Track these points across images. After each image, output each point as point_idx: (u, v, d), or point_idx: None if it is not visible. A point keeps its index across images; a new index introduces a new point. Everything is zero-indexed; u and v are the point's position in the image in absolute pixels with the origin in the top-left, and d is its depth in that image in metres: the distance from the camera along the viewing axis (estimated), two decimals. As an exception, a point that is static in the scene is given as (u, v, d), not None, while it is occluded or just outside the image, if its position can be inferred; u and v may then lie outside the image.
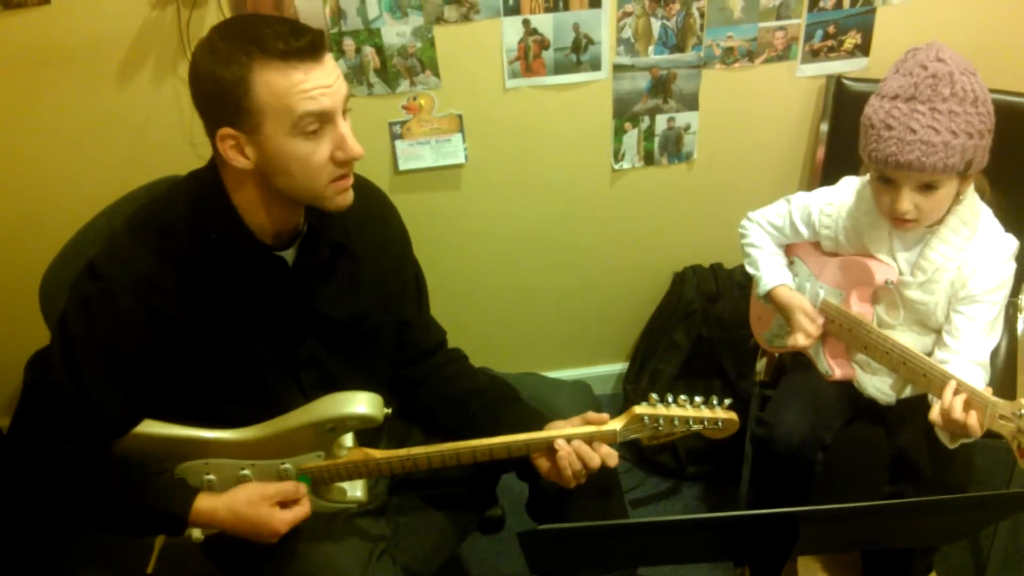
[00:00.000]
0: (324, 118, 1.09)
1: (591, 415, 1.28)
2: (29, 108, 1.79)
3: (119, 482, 1.22)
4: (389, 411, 1.25)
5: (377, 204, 1.38)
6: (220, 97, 1.07)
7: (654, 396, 1.24)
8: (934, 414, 1.33)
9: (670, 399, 1.25)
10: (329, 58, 1.10)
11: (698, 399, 1.25)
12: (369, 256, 1.33)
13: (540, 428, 1.31)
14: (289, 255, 1.24)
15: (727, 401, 1.26)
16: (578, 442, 1.25)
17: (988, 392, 1.29)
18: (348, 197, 1.18)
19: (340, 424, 1.24)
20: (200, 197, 1.19)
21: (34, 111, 1.79)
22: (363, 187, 1.34)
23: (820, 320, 1.59)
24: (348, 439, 1.30)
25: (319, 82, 1.07)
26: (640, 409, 1.24)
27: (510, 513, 1.67)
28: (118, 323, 1.15)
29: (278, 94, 1.06)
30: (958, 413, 1.29)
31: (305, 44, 1.06)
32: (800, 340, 1.58)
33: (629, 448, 2.26)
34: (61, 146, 1.84)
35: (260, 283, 1.22)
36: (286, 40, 1.05)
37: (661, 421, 1.24)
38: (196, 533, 1.34)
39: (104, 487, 1.22)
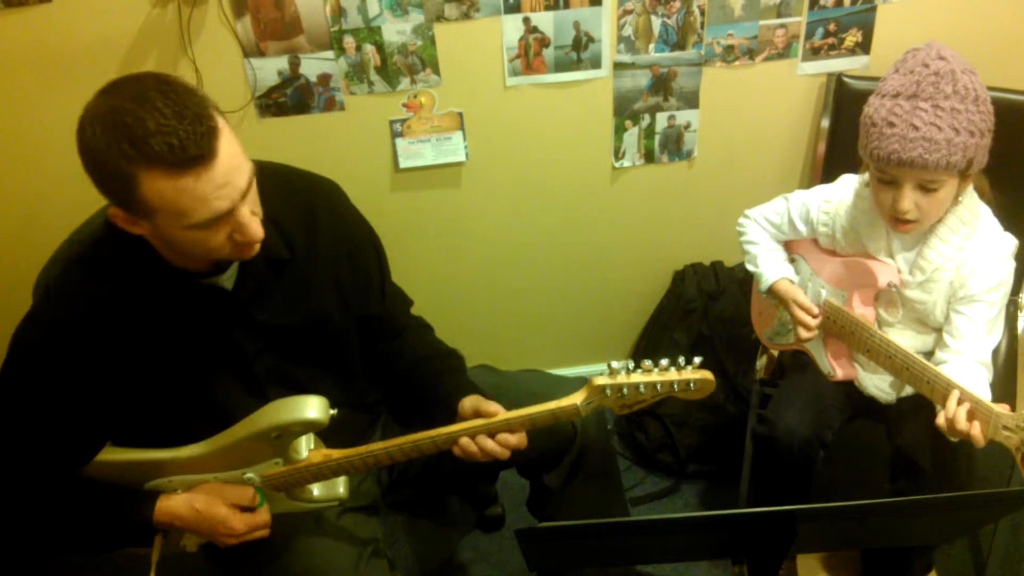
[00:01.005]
0: (220, 216, 1.05)
1: (480, 406, 1.27)
2: (29, 106, 1.79)
3: (79, 504, 1.23)
4: (334, 412, 1.23)
5: (322, 203, 1.33)
6: (106, 185, 1.03)
7: (614, 365, 1.20)
8: (940, 421, 1.32)
9: (631, 366, 1.21)
10: (223, 151, 1.02)
11: (664, 362, 1.20)
12: (320, 259, 1.30)
13: (458, 401, 1.31)
14: (228, 278, 1.21)
15: (697, 360, 1.20)
16: (482, 438, 1.24)
17: (993, 403, 1.28)
18: (252, 252, 1.14)
19: (284, 431, 1.23)
20: (121, 241, 1.15)
21: (34, 109, 1.79)
22: (306, 188, 1.32)
23: (816, 311, 1.59)
24: (304, 443, 1.29)
25: (213, 184, 1.01)
26: (600, 380, 1.21)
27: (510, 510, 1.67)
28: (55, 371, 1.15)
29: (168, 200, 1.01)
30: (962, 423, 1.28)
31: (192, 156, 0.99)
32: (802, 334, 1.59)
33: (628, 446, 2.26)
34: (61, 144, 1.82)
35: (198, 314, 1.20)
36: (172, 150, 0.97)
37: (625, 390, 1.21)
38: (190, 544, 1.34)
39: (65, 511, 1.22)
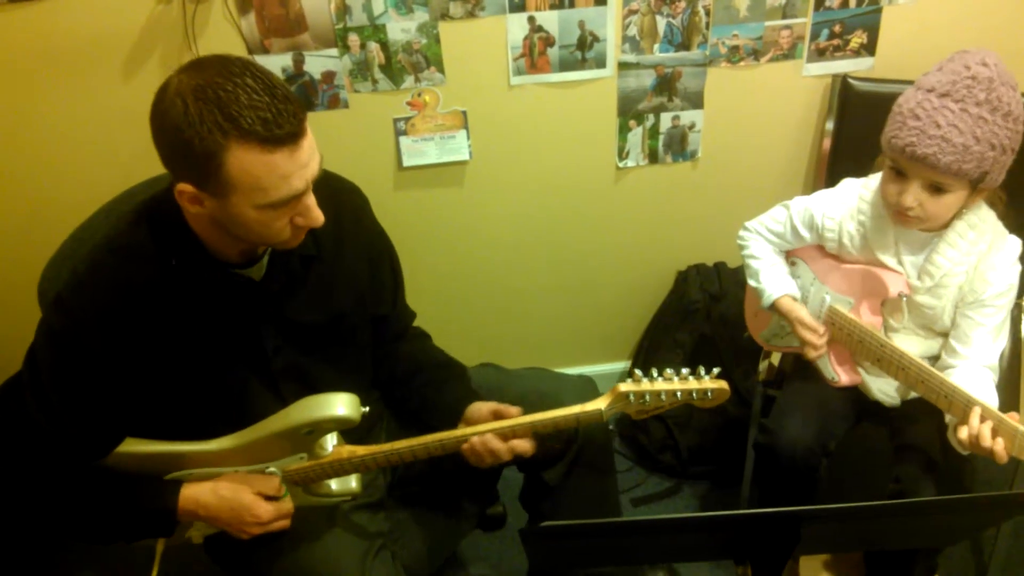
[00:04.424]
0: (295, 196, 1.07)
1: (501, 408, 1.31)
2: (33, 103, 1.78)
3: (104, 492, 1.23)
4: (366, 410, 1.25)
5: (349, 207, 1.36)
6: (187, 160, 1.02)
7: (638, 372, 1.24)
8: (963, 436, 1.30)
9: (655, 373, 1.24)
10: (308, 131, 1.06)
11: (685, 370, 1.24)
12: (343, 260, 1.32)
13: (466, 407, 1.35)
14: (257, 270, 1.23)
15: (715, 370, 1.25)
16: (490, 436, 1.28)
17: (1015, 419, 1.27)
18: (300, 240, 1.16)
19: (317, 427, 1.24)
20: (159, 224, 1.16)
21: (38, 106, 1.79)
22: (335, 191, 1.33)
23: (822, 330, 1.58)
24: (330, 439, 1.30)
25: (297, 163, 1.04)
26: (624, 387, 1.24)
27: (511, 510, 1.67)
28: (86, 356, 1.14)
29: (253, 175, 1.02)
30: (987, 441, 1.27)
31: (286, 133, 1.01)
32: (809, 354, 1.58)
33: (630, 447, 2.26)
34: (65, 141, 1.84)
35: (228, 303, 1.21)
36: (266, 125, 1.00)
37: (647, 397, 1.24)
38: (196, 536, 1.34)
39: (89, 498, 1.22)
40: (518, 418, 1.29)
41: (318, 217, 1.12)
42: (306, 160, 1.06)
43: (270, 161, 1.02)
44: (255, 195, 1.04)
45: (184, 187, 1.06)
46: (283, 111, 1.01)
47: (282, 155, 1.02)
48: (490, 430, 1.28)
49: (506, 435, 1.28)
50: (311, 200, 1.11)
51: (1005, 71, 1.34)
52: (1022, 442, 1.25)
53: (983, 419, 1.28)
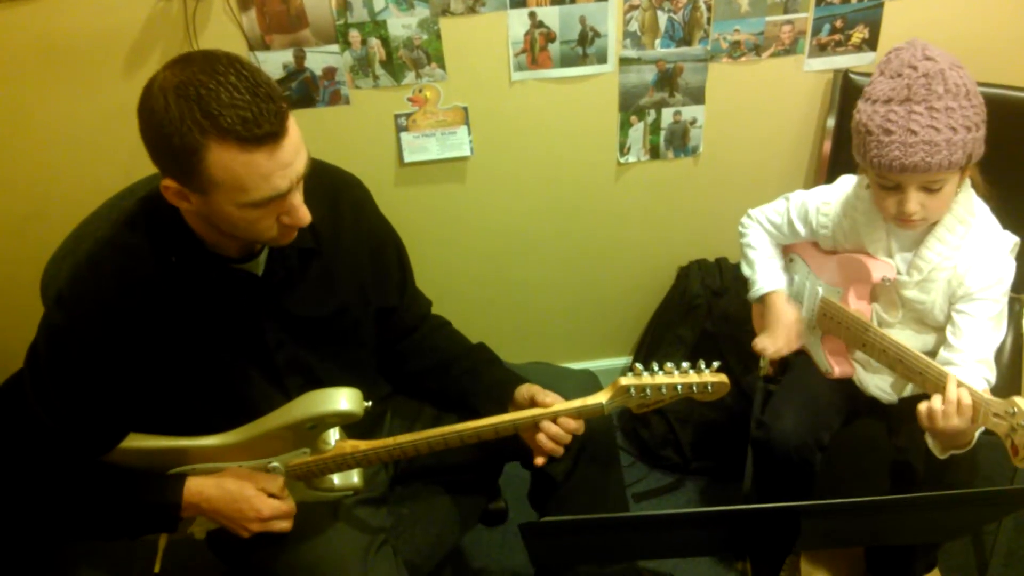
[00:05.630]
0: (278, 196, 1.06)
1: (539, 396, 1.30)
2: (34, 100, 1.79)
3: (107, 487, 1.23)
4: (369, 404, 1.24)
5: (348, 201, 1.35)
6: (169, 156, 1.02)
7: (639, 366, 1.24)
8: (921, 412, 1.32)
9: (655, 367, 1.25)
10: (292, 132, 1.04)
11: (685, 364, 1.25)
12: (343, 253, 1.32)
13: (515, 389, 1.35)
14: (257, 264, 1.23)
15: (715, 364, 1.25)
16: (564, 420, 1.28)
17: (987, 392, 1.28)
18: (291, 238, 1.16)
19: (320, 422, 1.24)
20: (158, 221, 1.16)
21: (39, 103, 1.79)
22: (335, 184, 1.33)
23: (796, 345, 1.61)
24: (333, 433, 1.30)
25: (279, 163, 1.03)
26: (625, 380, 1.25)
27: (513, 505, 1.67)
28: (88, 352, 1.15)
29: (233, 174, 1.02)
30: (953, 410, 1.28)
31: (266, 133, 1.00)
32: (767, 350, 1.60)
33: (632, 442, 2.26)
34: (66, 138, 1.84)
35: (229, 299, 1.21)
36: (246, 124, 0.98)
37: (648, 390, 1.24)
38: (198, 531, 1.35)
39: (93, 494, 1.23)
40: (519, 412, 1.29)
41: (304, 216, 1.11)
42: (289, 159, 1.04)
43: (250, 161, 1.01)
44: (236, 194, 1.04)
45: (169, 183, 1.06)
46: (265, 110, 1.00)
47: (262, 155, 1.01)
48: (489, 425, 1.28)
49: (521, 427, 1.29)
50: (297, 199, 1.10)
51: (946, 54, 1.35)
52: (987, 410, 1.26)
53: (957, 386, 1.30)
